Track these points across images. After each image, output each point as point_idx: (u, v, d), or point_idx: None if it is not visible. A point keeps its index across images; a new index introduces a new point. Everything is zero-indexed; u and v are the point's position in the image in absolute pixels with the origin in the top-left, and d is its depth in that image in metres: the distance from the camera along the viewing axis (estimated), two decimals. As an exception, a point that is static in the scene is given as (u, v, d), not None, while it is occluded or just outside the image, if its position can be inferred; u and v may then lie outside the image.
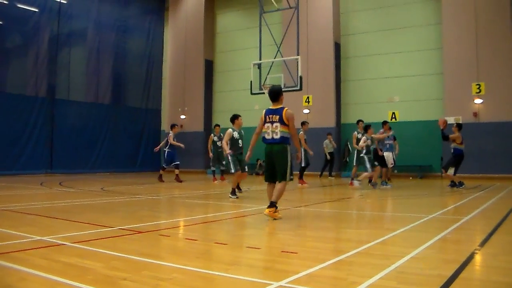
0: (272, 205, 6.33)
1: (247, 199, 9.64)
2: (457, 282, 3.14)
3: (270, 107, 6.64)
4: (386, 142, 14.33)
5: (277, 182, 6.47)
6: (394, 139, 14.96)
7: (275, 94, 6.64)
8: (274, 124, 6.46)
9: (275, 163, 6.48)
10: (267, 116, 6.56)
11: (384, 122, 14.18)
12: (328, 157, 18.06)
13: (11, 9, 19.48)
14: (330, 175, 18.46)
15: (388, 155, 14.14)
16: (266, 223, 6.05)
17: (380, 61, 20.16)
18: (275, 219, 6.23)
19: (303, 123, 14.62)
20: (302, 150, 14.37)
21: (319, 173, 18.53)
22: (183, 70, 25.38)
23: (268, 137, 6.54)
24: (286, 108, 6.50)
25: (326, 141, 18.33)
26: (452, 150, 12.33)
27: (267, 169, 6.66)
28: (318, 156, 16.98)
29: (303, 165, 14.32)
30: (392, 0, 20.19)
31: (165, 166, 15.81)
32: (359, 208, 8.55)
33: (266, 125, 6.55)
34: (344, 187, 13.43)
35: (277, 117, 6.44)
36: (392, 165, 14.62)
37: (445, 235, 5.09)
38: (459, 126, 12.46)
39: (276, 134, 6.44)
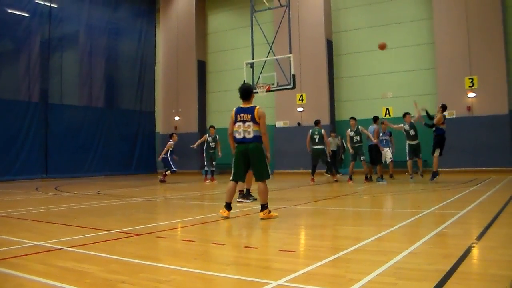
0: (264, 207, 6.32)
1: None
2: (455, 276, 3.15)
3: (241, 106, 6.58)
4: (382, 138, 14.35)
5: (258, 183, 6.42)
6: (390, 134, 15.00)
7: (247, 92, 6.59)
8: (246, 124, 6.39)
9: (251, 162, 6.43)
10: (238, 115, 6.48)
11: (375, 118, 14.06)
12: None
13: (1, 14, 19.34)
14: (327, 172, 18.44)
15: (385, 151, 14.20)
16: (263, 222, 6.05)
17: (372, 58, 20.18)
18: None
19: (317, 122, 14.58)
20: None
21: (330, 171, 18.54)
22: (176, 71, 25.33)
23: (239, 136, 6.45)
24: (258, 107, 6.46)
25: (330, 138, 18.35)
26: (433, 129, 12.28)
27: (239, 168, 6.52)
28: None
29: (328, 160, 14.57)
30: (383, -4, 20.25)
31: (176, 170, 15.82)
32: (356, 205, 8.57)
33: (237, 124, 6.47)
34: (340, 185, 13.45)
35: (249, 116, 6.38)
36: (391, 160, 14.67)
37: (442, 229, 5.11)
38: (444, 107, 12.34)
39: (249, 134, 6.38)
